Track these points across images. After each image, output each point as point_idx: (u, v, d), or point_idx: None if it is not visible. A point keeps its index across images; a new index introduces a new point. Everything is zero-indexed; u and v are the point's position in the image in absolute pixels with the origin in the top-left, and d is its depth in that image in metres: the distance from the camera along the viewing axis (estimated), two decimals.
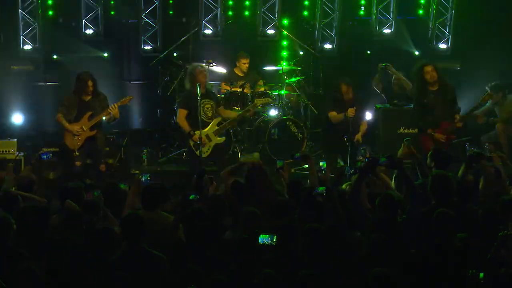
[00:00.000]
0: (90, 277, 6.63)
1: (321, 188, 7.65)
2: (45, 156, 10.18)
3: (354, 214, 7.58)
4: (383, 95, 14.37)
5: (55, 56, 14.90)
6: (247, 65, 14.36)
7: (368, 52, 15.62)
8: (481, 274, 6.07)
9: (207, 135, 11.81)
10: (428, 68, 11.64)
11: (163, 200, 8.39)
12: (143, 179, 8.77)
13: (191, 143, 11.79)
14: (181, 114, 11.86)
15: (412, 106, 12.26)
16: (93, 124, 11.70)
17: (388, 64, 13.86)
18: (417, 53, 15.39)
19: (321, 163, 9.62)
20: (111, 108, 11.66)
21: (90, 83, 11.70)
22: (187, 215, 7.52)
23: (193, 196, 7.74)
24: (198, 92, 11.54)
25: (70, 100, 11.78)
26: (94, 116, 11.69)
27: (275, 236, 6.73)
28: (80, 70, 12.34)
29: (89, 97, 11.76)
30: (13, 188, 9.18)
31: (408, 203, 7.70)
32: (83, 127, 11.67)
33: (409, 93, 13.10)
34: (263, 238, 6.72)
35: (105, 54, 15.12)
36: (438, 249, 6.79)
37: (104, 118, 11.78)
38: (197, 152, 11.69)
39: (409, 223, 7.34)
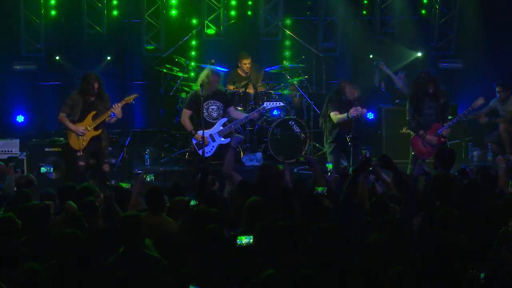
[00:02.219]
0: (90, 278, 6.63)
1: (322, 188, 7.64)
2: (44, 169, 10.17)
3: (348, 215, 7.58)
4: (386, 93, 14.39)
5: (57, 57, 14.89)
6: (248, 65, 14.36)
7: (371, 56, 15.58)
8: (482, 274, 6.06)
9: (210, 135, 11.82)
10: (432, 83, 11.70)
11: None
12: (148, 179, 8.79)
13: (193, 142, 11.84)
14: (185, 114, 11.97)
15: None
16: (98, 123, 11.69)
17: (380, 62, 13.91)
18: (419, 54, 15.38)
19: (327, 165, 9.62)
20: (114, 107, 11.64)
21: (96, 85, 11.67)
22: (191, 218, 7.52)
23: (194, 201, 7.73)
24: (202, 93, 11.60)
25: (75, 100, 11.72)
26: (98, 116, 11.67)
27: (252, 236, 6.76)
28: (82, 70, 12.34)
29: (93, 98, 11.73)
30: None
31: (403, 202, 7.71)
32: (88, 127, 11.64)
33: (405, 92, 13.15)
34: (241, 240, 6.77)
35: (108, 58, 15.12)
36: (440, 249, 6.78)
37: (106, 119, 11.74)
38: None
39: (402, 223, 7.35)
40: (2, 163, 10.53)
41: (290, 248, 6.84)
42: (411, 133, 11.89)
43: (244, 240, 6.78)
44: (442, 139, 11.70)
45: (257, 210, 7.61)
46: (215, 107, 11.90)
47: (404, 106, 12.10)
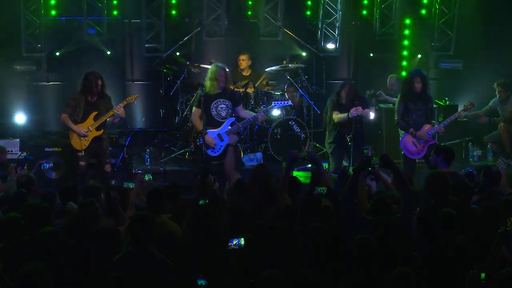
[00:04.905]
0: (93, 278, 6.64)
1: (321, 187, 7.64)
2: (46, 165, 10.18)
3: (349, 215, 7.58)
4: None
5: (57, 53, 14.91)
6: (243, 61, 14.36)
7: (371, 54, 15.63)
8: (483, 275, 6.07)
9: (218, 134, 11.76)
10: (419, 79, 11.71)
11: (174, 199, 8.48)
12: (146, 179, 8.83)
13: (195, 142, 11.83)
14: (195, 113, 11.84)
15: None
16: (100, 124, 11.65)
17: (379, 92, 14.01)
18: (419, 56, 15.41)
19: (323, 164, 9.62)
20: (116, 108, 11.58)
21: (100, 82, 11.56)
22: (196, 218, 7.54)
23: (203, 201, 7.75)
24: (203, 93, 11.58)
25: (77, 100, 11.61)
26: (99, 116, 11.60)
27: (243, 239, 6.78)
28: (82, 70, 12.33)
29: (95, 98, 11.66)
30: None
31: (402, 202, 7.73)
32: (90, 127, 11.57)
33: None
34: (233, 242, 6.80)
35: (108, 52, 15.12)
36: (440, 249, 6.78)
37: (108, 119, 11.69)
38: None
39: (403, 222, 7.36)
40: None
41: (290, 248, 6.86)
42: (400, 134, 11.90)
43: (235, 242, 6.81)
44: (431, 140, 11.71)
45: (237, 212, 7.65)
46: (224, 106, 11.78)
47: None
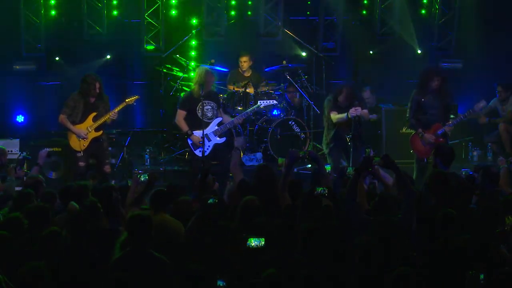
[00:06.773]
0: (92, 278, 6.64)
1: (322, 187, 7.64)
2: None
3: (350, 215, 7.58)
4: None
5: (57, 58, 14.90)
6: (244, 63, 14.34)
7: (371, 52, 15.65)
8: (482, 275, 6.07)
9: (206, 135, 11.77)
10: (438, 78, 11.59)
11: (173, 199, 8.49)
12: (142, 179, 8.83)
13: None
14: (180, 115, 11.88)
15: None
16: (99, 125, 11.66)
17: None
18: (419, 51, 15.41)
19: (326, 166, 9.60)
20: (113, 114, 11.61)
21: (97, 85, 11.60)
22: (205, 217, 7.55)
23: (212, 200, 7.74)
24: (202, 94, 11.58)
25: (76, 101, 11.63)
26: (98, 117, 11.62)
27: (263, 238, 6.75)
28: (82, 70, 12.34)
29: (94, 99, 11.68)
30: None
31: (403, 202, 7.72)
32: (89, 128, 11.59)
33: None
34: (252, 241, 6.76)
35: (108, 56, 15.12)
36: (440, 249, 6.78)
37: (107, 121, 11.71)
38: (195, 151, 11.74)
39: (403, 222, 7.36)
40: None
41: (290, 248, 6.86)
42: (413, 131, 11.84)
43: (255, 242, 6.78)
44: (441, 140, 11.60)
45: (250, 209, 7.64)
46: (210, 107, 11.84)
47: (405, 106, 12.07)
